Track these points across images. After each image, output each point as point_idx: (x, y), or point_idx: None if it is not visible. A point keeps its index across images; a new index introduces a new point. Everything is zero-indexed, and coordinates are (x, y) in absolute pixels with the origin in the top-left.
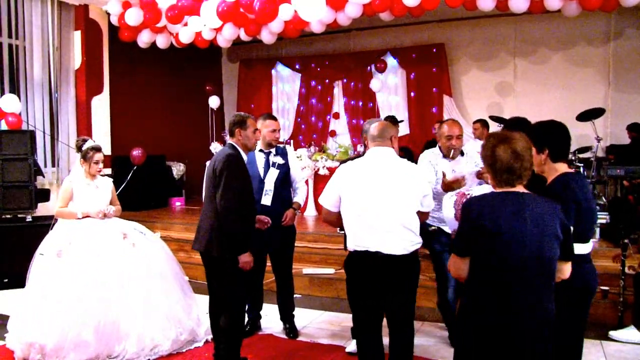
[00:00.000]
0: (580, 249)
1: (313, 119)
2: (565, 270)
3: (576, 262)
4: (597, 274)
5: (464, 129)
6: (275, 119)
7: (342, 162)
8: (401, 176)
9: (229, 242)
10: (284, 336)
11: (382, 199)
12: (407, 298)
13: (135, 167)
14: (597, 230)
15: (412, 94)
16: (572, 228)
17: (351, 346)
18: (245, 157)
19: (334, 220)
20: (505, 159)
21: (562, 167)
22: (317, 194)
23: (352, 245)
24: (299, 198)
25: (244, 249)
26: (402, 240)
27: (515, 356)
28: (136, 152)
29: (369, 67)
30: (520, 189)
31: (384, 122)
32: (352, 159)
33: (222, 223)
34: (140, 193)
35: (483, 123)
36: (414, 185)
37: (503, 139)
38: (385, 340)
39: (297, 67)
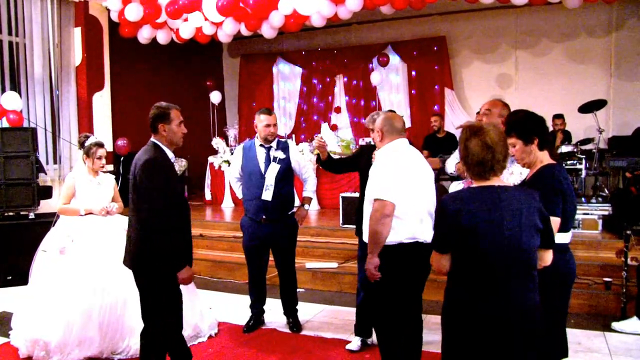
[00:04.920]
0: (561, 238)
1: (314, 113)
2: (547, 257)
3: (556, 251)
4: (575, 263)
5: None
6: (270, 113)
7: (364, 147)
8: (428, 168)
9: (161, 261)
10: (288, 330)
11: (424, 189)
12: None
13: (122, 158)
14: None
15: (413, 87)
16: (559, 218)
17: (353, 344)
18: (171, 155)
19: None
20: (477, 152)
21: (546, 157)
22: (318, 188)
23: (402, 237)
24: (308, 192)
25: (179, 265)
26: (431, 228)
27: (505, 347)
28: (121, 142)
29: (370, 61)
30: (495, 182)
31: (396, 114)
32: (367, 147)
33: (146, 241)
34: None
35: None
36: (432, 176)
37: (475, 131)
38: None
39: (298, 61)
